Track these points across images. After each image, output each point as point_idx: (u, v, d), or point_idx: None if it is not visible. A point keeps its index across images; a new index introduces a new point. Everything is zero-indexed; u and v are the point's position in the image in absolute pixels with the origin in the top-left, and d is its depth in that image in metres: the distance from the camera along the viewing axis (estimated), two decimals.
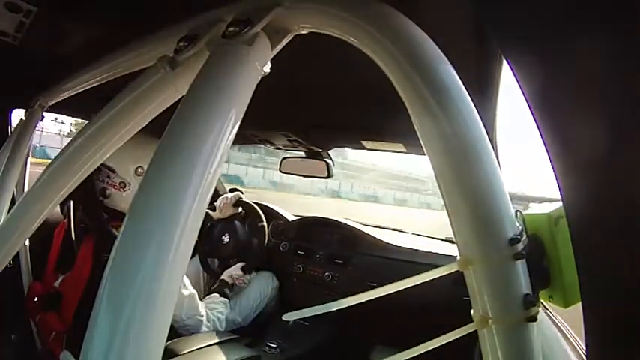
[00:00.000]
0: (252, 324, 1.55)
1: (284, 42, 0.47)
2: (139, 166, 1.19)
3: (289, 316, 0.45)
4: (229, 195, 1.79)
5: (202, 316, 1.27)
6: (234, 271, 1.60)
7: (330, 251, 1.69)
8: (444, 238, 1.70)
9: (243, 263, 1.63)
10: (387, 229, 1.86)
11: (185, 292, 1.22)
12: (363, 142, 1.46)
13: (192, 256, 1.63)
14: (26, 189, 1.13)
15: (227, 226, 1.73)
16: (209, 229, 1.74)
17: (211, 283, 1.64)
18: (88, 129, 0.64)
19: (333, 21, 0.42)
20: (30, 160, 1.20)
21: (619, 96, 0.23)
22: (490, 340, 0.39)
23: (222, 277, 1.57)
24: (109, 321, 0.31)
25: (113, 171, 1.16)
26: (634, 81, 0.22)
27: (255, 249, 1.70)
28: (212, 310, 1.37)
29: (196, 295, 1.27)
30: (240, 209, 1.78)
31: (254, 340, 1.45)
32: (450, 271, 0.39)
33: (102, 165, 1.14)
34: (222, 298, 1.47)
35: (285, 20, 0.45)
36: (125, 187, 1.18)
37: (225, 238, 1.70)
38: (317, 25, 0.44)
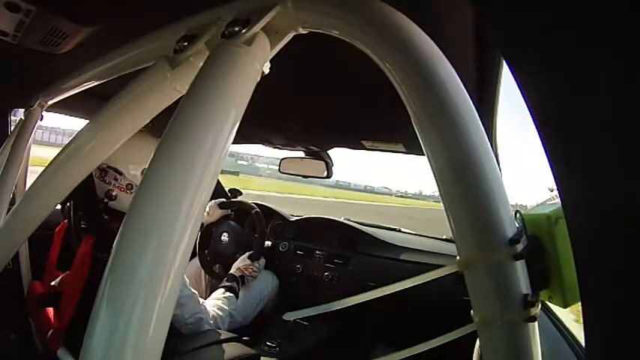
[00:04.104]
0: (251, 323, 1.55)
1: (284, 42, 0.47)
2: (145, 168, 1.18)
3: (290, 316, 0.45)
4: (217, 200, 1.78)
5: (204, 315, 1.26)
6: (242, 262, 1.58)
7: (330, 251, 1.69)
8: (443, 238, 1.70)
9: (250, 253, 1.61)
10: (386, 228, 1.86)
11: (186, 292, 1.21)
12: (363, 142, 1.46)
13: (192, 257, 1.63)
14: (26, 189, 1.13)
15: (223, 226, 1.73)
16: (206, 236, 1.73)
17: (214, 284, 1.63)
18: (87, 128, 0.64)
19: (333, 21, 0.42)
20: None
21: (619, 98, 0.23)
22: (490, 340, 0.39)
23: (230, 271, 1.54)
24: (109, 320, 0.31)
25: (120, 173, 1.16)
26: (634, 83, 0.22)
27: (256, 238, 1.67)
28: (214, 307, 1.35)
29: (197, 295, 1.26)
30: (229, 210, 1.77)
31: (253, 339, 1.44)
32: (449, 272, 0.39)
33: (108, 167, 1.14)
34: (228, 294, 1.43)
35: (285, 20, 0.45)
36: (132, 188, 1.17)
37: (225, 238, 1.70)
38: (317, 25, 0.44)
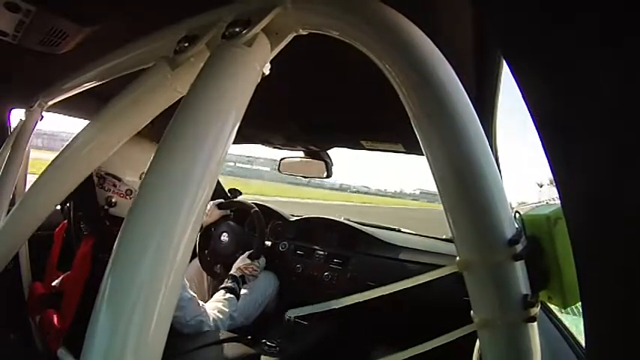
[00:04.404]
0: (252, 323, 1.55)
1: (284, 43, 0.47)
2: (144, 172, 1.18)
3: (292, 313, 0.45)
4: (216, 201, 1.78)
5: (204, 317, 1.26)
6: (242, 262, 1.57)
7: (330, 251, 1.69)
8: (443, 237, 1.70)
9: (249, 252, 1.60)
10: (386, 228, 1.86)
11: (186, 295, 1.21)
12: (363, 142, 1.46)
13: (192, 258, 1.63)
14: (26, 189, 1.13)
15: (222, 226, 1.73)
16: (206, 236, 1.73)
17: (215, 284, 1.62)
18: (87, 129, 0.64)
19: (333, 22, 0.42)
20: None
21: (619, 98, 0.23)
22: (490, 340, 0.39)
23: (231, 272, 1.54)
24: (110, 321, 0.31)
25: (119, 179, 1.15)
26: (634, 83, 0.22)
27: (256, 237, 1.66)
28: (214, 309, 1.35)
29: (197, 298, 1.26)
30: (228, 211, 1.77)
31: (253, 339, 1.44)
32: (449, 272, 0.39)
33: (106, 174, 1.13)
34: (228, 295, 1.43)
35: (285, 21, 0.45)
36: (131, 194, 1.17)
37: (224, 238, 1.70)
38: (317, 26, 0.44)
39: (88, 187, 1.11)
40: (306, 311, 0.43)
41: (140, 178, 1.18)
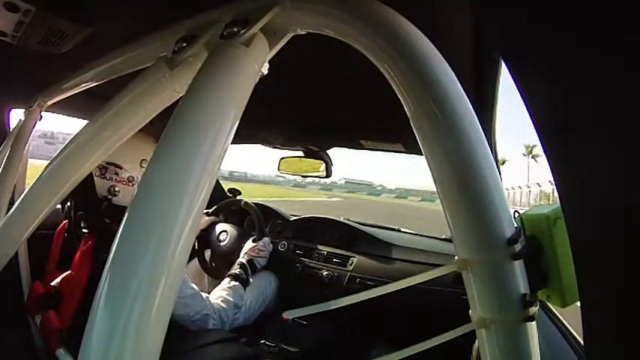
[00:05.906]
0: (251, 323, 1.54)
1: (282, 42, 0.47)
2: (143, 159, 1.21)
3: (289, 314, 0.45)
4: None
5: (209, 311, 1.25)
6: (247, 246, 1.57)
7: (329, 251, 1.69)
8: (442, 237, 1.70)
9: (252, 237, 1.61)
10: (386, 228, 1.87)
11: (189, 291, 1.21)
12: (362, 142, 1.46)
13: (191, 258, 1.62)
14: (25, 189, 1.13)
15: (217, 228, 1.73)
16: (205, 239, 1.72)
17: (216, 283, 1.62)
18: (86, 129, 0.64)
19: (332, 22, 0.42)
20: None
21: (619, 99, 0.23)
22: (488, 339, 0.39)
23: (239, 260, 1.53)
24: (108, 320, 0.31)
25: (120, 167, 1.17)
26: (634, 84, 0.22)
27: (255, 225, 1.66)
28: (218, 299, 1.33)
29: (199, 292, 1.26)
30: (219, 216, 1.77)
31: (253, 338, 1.44)
32: (448, 272, 0.39)
33: (107, 163, 1.14)
34: (234, 283, 1.42)
35: (284, 21, 0.45)
36: (133, 180, 1.19)
37: (223, 237, 1.70)
38: (315, 26, 0.44)
39: (87, 184, 1.11)
40: (302, 312, 0.42)
41: (140, 165, 1.20)
